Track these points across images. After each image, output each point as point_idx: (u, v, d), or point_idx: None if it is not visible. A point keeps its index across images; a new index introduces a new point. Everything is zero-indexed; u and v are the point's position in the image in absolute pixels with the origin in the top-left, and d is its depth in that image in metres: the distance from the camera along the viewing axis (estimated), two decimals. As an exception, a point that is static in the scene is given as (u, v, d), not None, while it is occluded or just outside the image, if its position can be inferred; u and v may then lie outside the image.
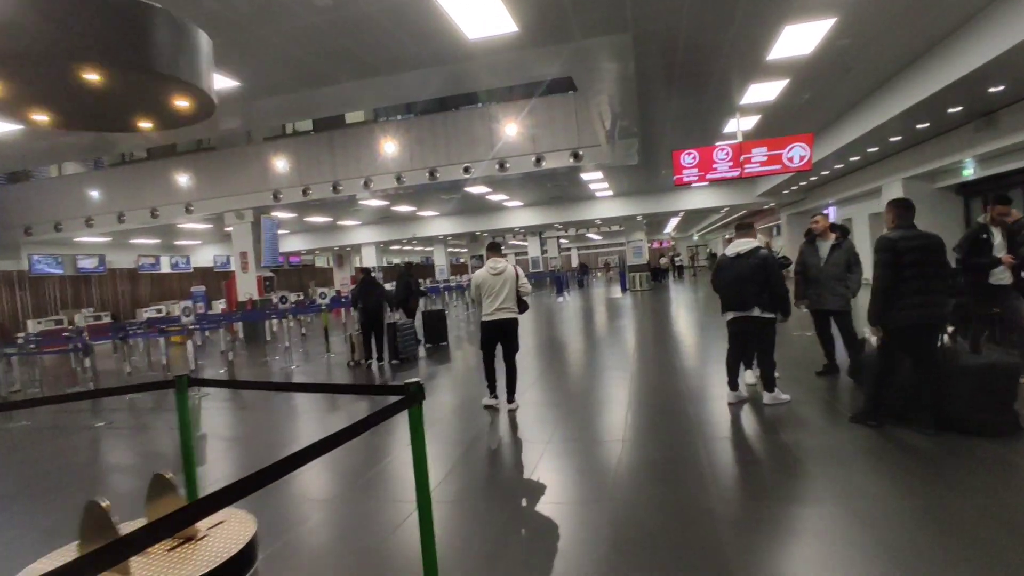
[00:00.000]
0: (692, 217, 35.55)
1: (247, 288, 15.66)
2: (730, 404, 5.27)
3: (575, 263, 56.54)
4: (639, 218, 24.23)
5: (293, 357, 9.84)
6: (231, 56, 6.93)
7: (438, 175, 13.59)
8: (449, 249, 35.14)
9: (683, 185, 9.12)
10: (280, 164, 14.69)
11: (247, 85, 7.84)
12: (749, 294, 4.83)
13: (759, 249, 4.88)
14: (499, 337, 5.97)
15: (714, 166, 9.02)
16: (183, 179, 15.58)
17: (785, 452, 4.13)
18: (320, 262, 34.29)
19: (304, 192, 14.57)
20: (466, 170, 13.37)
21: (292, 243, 26.07)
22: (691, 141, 12.55)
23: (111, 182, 16.41)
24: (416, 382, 2.09)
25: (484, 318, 5.97)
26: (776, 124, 11.01)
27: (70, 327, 16.14)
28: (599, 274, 55.09)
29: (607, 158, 12.87)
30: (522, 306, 6.09)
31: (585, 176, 16.47)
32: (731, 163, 8.94)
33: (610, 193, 21.18)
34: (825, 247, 5.41)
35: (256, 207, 15.34)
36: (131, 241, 21.79)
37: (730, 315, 5.08)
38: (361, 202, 17.81)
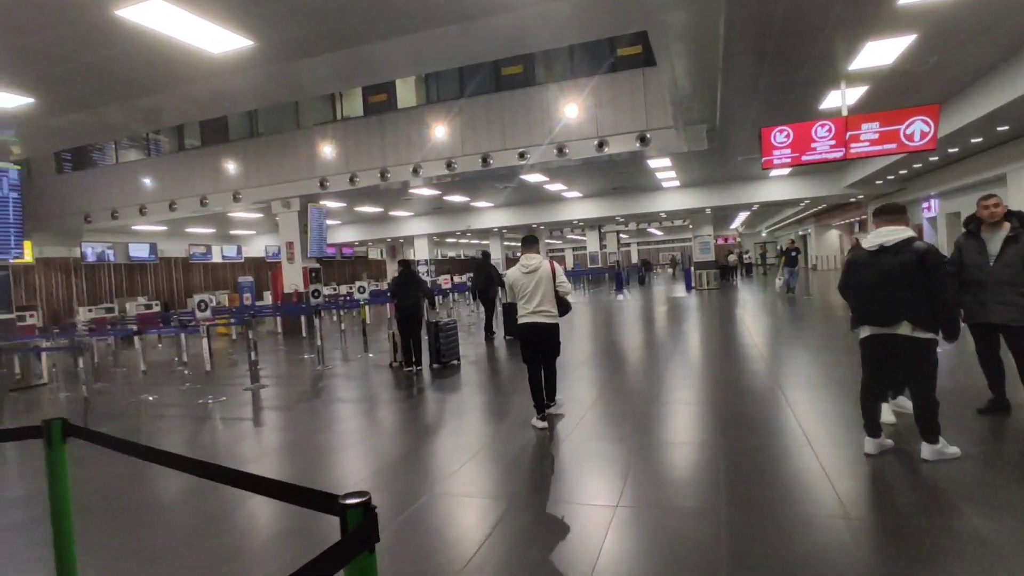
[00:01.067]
0: (764, 211, 33.34)
1: (293, 279, 15.24)
2: (869, 456, 3.80)
3: (634, 259, 54.74)
4: (707, 211, 22.59)
5: (325, 357, 9.10)
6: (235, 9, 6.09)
7: (491, 161, 12.66)
8: (505, 242, 34.32)
9: (771, 168, 7.81)
10: (327, 150, 14.14)
11: (262, 44, 6.93)
12: (897, 303, 3.50)
13: (913, 240, 3.52)
14: (539, 344, 5.18)
15: (812, 146, 7.65)
16: (231, 166, 15.30)
17: (982, 549, 2.68)
18: (373, 254, 34.17)
19: (351, 179, 13.97)
20: (521, 155, 12.39)
21: (344, 234, 25.83)
22: (779, 119, 11.07)
23: (164, 170, 16.34)
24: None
25: (519, 321, 5.22)
26: (884, 97, 9.45)
27: (119, 316, 16.29)
28: (659, 271, 53.08)
29: (677, 142, 11.60)
30: (563, 308, 5.25)
31: (652, 163, 15.16)
32: (833, 142, 7.54)
33: (677, 183, 19.70)
34: (996, 240, 4.03)
35: (303, 195, 14.87)
36: (187, 230, 22.00)
37: (866, 331, 3.73)
38: (412, 191, 17.12)
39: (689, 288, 23.31)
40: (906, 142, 7.28)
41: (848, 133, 7.42)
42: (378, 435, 5.51)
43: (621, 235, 40.32)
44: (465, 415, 6.02)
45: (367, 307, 10.75)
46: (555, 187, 18.35)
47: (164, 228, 20.50)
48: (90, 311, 15.02)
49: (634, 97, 11.62)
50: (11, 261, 10.40)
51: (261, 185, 14.99)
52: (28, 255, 15.42)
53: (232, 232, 24.37)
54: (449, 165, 13.00)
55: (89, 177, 17.35)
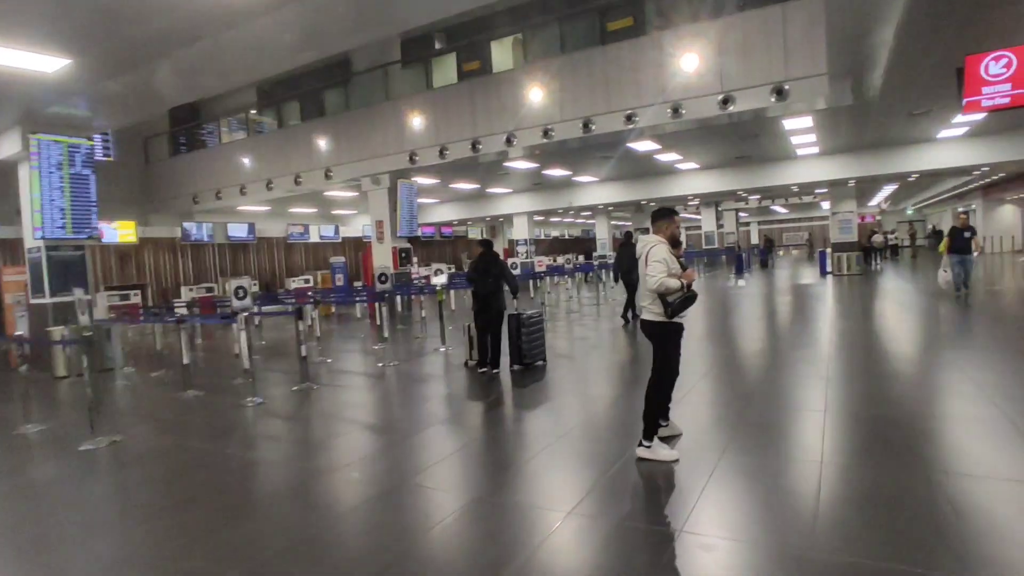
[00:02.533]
0: (915, 184, 28.87)
1: (383, 260, 14.68)
2: None
3: (754, 239, 50.47)
4: (851, 183, 19.51)
5: (396, 351, 8.20)
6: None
7: (593, 127, 11.16)
8: (612, 221, 32.49)
9: (976, 111, 5.75)
10: (417, 122, 13.29)
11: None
12: None
13: None
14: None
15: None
16: (323, 143, 14.93)
17: None
18: (473, 233, 33.64)
19: (441, 152, 13.04)
20: (628, 119, 10.77)
21: (441, 212, 25.34)
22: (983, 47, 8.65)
23: (264, 149, 16.36)
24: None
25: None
26: None
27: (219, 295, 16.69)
28: (781, 252, 48.52)
29: (824, 95, 9.44)
30: (668, 307, 3.95)
31: (788, 124, 12.88)
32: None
33: (816, 150, 17.00)
34: None
35: (392, 170, 14.18)
36: (291, 210, 22.39)
37: None
38: (508, 164, 15.99)
39: (824, 272, 20.44)
40: None
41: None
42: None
43: (740, 213, 36.98)
44: (535, 447, 4.68)
45: (445, 292, 9.70)
46: (667, 157, 16.41)
47: (268, 208, 20.92)
48: (191, 290, 15.37)
49: (770, 39, 9.59)
50: (85, 239, 10.41)
51: (351, 161, 14.50)
52: (132, 234, 16.04)
53: (334, 212, 24.62)
54: (546, 133, 11.68)
55: (197, 159, 17.84)
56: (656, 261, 3.94)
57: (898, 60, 8.96)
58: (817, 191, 27.94)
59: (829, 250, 20.65)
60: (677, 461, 3.93)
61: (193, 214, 19.42)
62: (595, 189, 21.59)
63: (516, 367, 7.13)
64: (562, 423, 5.10)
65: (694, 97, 10.15)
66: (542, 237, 43.85)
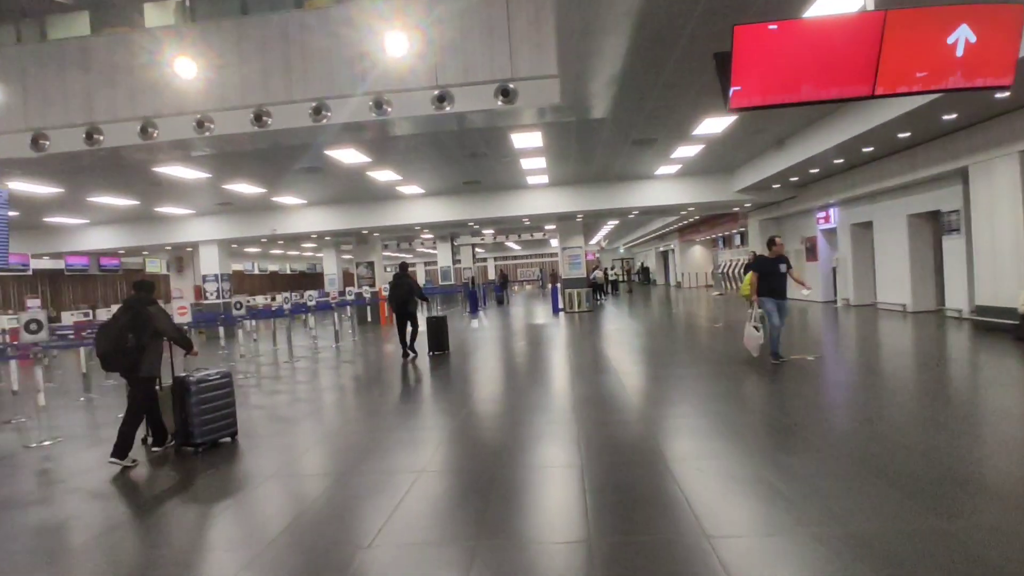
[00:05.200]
0: (627, 224, 31.79)
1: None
2: None
3: (491, 275, 51.80)
4: (579, 218, 19.69)
5: None
6: None
7: (269, 121, 8.23)
8: (344, 255, 29.31)
9: (743, 107, 4.39)
10: (-10, 91, 8.74)
11: None
12: None
13: None
14: None
15: (826, 60, 4.27)
16: None
17: None
18: (152, 265, 27.14)
19: (36, 142, 8.71)
20: (317, 111, 8.11)
21: (97, 238, 19.39)
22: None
23: None
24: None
25: None
26: None
27: None
28: (516, 288, 50.60)
29: (557, 103, 8.03)
30: None
31: (518, 141, 11.58)
32: (858, 60, 4.23)
33: (545, 179, 16.45)
34: None
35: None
36: None
37: None
38: (159, 169, 12.02)
39: (556, 310, 20.25)
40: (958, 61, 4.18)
41: (882, 44, 4.16)
42: None
43: (477, 249, 36.98)
44: None
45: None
46: (385, 176, 14.10)
47: None
48: None
49: (493, 30, 7.90)
50: None
51: None
52: None
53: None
54: (201, 124, 8.35)
55: None
56: None
57: (630, 73, 7.99)
58: (547, 227, 28.82)
59: (560, 285, 20.59)
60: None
61: None
62: (304, 214, 18.26)
63: (188, 448, 5.71)
64: None
65: (402, 90, 7.97)
66: (255, 272, 38.38)
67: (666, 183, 16.92)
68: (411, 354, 11.28)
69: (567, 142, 11.96)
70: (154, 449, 5.95)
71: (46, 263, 21.97)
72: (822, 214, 16.45)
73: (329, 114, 8.11)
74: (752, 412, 6.53)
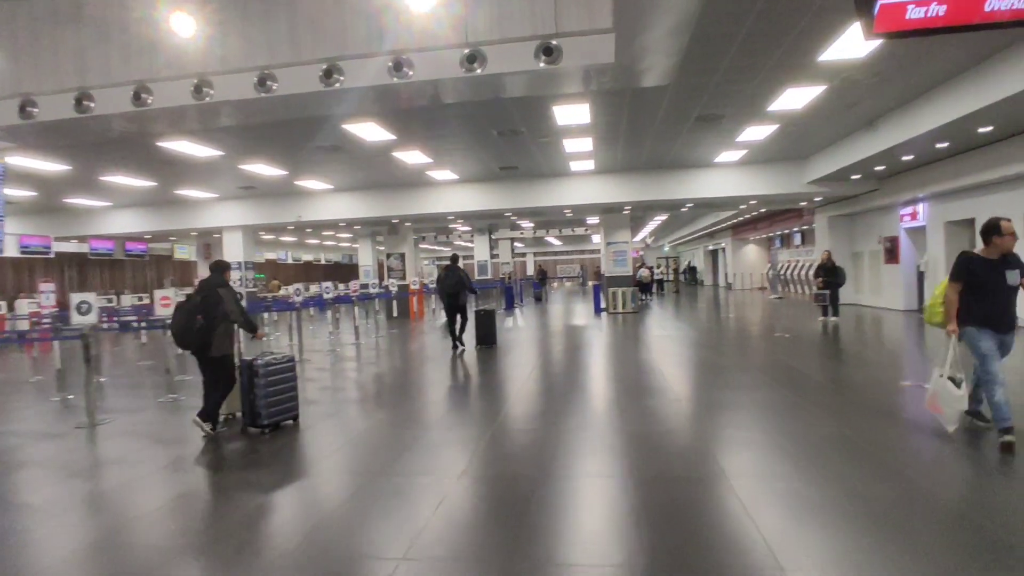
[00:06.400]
0: (681, 218, 30.08)
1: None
2: None
3: (530, 270, 50.59)
4: (626, 210, 18.26)
5: None
6: None
7: (274, 85, 7.23)
8: (379, 246, 28.58)
9: (887, 35, 3.05)
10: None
11: None
12: None
13: None
14: None
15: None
16: None
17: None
18: (181, 251, 26.84)
19: (23, 109, 7.94)
20: (327, 73, 7.05)
21: (121, 221, 19.01)
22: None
23: None
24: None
25: None
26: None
27: None
28: (555, 284, 49.15)
29: (612, 64, 6.75)
30: None
31: (560, 115, 10.27)
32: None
33: (591, 165, 15.12)
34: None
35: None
36: None
37: None
38: (163, 144, 11.20)
39: (599, 310, 18.91)
40: None
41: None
42: None
43: (516, 244, 35.82)
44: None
45: None
46: (412, 157, 12.99)
47: None
48: None
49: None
50: None
51: None
52: None
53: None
54: (199, 89, 7.41)
55: None
56: None
57: (702, 24, 6.63)
58: (589, 220, 27.40)
59: (604, 283, 19.21)
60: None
61: None
62: (331, 200, 17.37)
63: (253, 429, 6.07)
64: None
65: (426, 50, 6.85)
66: (288, 261, 38.05)
67: (727, 172, 15.36)
68: (460, 347, 11.19)
69: (617, 118, 10.62)
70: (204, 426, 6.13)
71: (72, 246, 21.77)
72: (908, 210, 14.58)
73: (342, 78, 7.08)
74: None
